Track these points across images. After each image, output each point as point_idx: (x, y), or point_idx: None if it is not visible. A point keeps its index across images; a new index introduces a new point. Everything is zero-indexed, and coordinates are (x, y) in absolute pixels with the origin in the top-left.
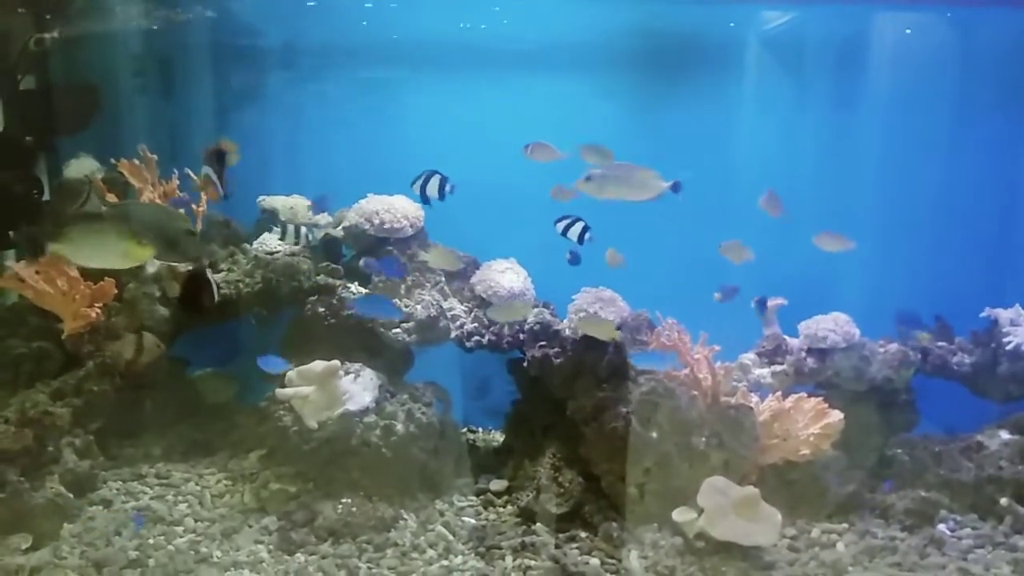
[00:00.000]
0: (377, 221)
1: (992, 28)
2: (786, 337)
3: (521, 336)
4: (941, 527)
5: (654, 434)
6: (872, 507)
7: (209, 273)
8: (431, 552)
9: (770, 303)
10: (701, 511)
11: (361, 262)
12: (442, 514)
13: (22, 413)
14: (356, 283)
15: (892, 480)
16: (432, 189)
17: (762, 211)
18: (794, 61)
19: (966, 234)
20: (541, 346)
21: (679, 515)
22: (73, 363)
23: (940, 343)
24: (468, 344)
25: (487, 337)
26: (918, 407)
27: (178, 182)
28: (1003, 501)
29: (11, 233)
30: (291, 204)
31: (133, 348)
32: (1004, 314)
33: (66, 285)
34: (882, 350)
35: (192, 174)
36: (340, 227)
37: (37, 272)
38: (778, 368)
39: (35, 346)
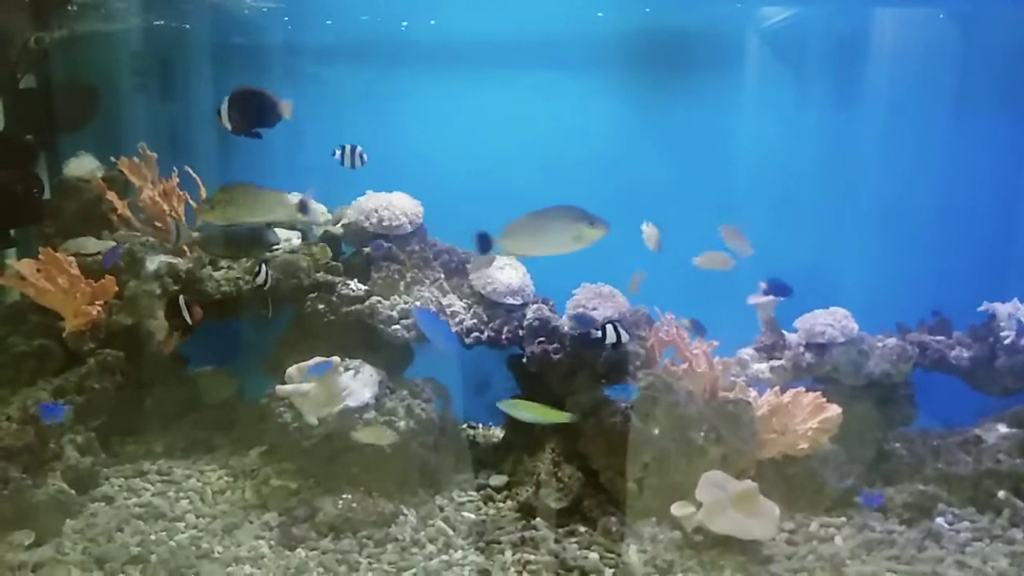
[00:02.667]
0: (376, 218)
1: (993, 24)
2: (784, 332)
3: (520, 332)
4: (939, 520)
5: (653, 429)
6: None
7: (182, 300)
8: (431, 547)
9: (766, 299)
10: (700, 505)
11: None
12: (442, 509)
13: (24, 410)
14: (355, 280)
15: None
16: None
17: (759, 207)
18: (796, 58)
19: (964, 228)
20: (540, 342)
21: (678, 509)
22: (74, 361)
23: (938, 337)
24: (467, 340)
25: (486, 333)
26: (916, 401)
27: (178, 180)
28: (1001, 494)
29: (12, 232)
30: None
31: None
32: (1002, 308)
33: (67, 283)
34: (880, 345)
35: (191, 171)
36: (339, 224)
37: (38, 270)
38: (776, 363)
39: (36, 344)
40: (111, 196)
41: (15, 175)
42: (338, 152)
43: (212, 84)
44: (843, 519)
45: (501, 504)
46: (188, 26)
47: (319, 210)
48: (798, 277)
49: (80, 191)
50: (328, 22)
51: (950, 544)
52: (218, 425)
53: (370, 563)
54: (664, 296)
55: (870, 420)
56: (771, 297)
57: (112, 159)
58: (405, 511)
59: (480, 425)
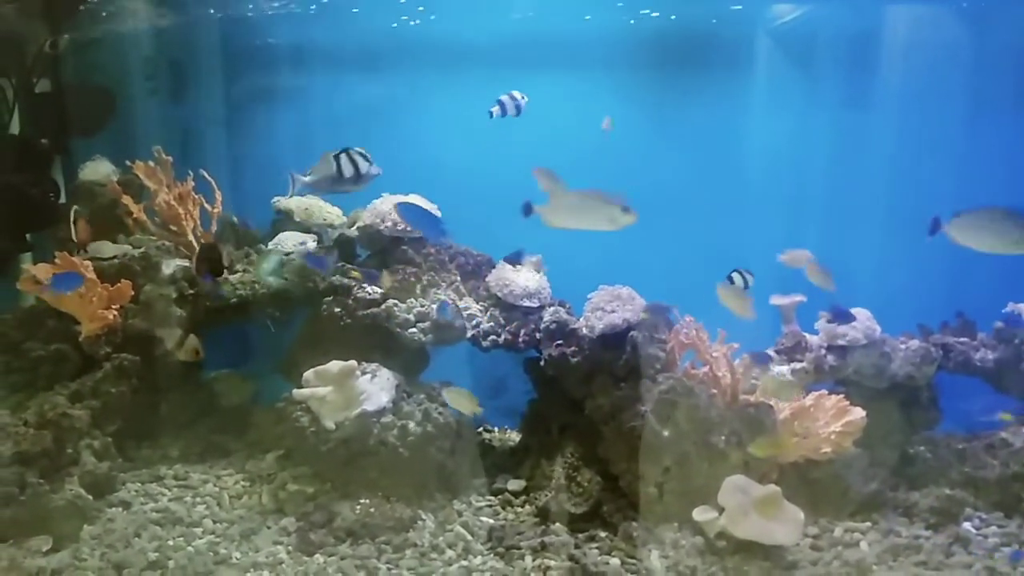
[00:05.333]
0: (391, 221)
1: (1010, 21)
2: (805, 334)
3: (537, 335)
4: (966, 525)
5: (673, 433)
6: (895, 505)
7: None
8: (450, 552)
9: (788, 300)
10: (722, 510)
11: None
12: (460, 514)
13: (41, 415)
14: (370, 283)
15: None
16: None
17: (775, 207)
18: (808, 56)
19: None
20: (558, 345)
21: (699, 514)
22: (91, 365)
23: (962, 339)
24: (484, 343)
25: (503, 336)
26: (940, 404)
27: (193, 183)
28: None
29: (28, 236)
30: (306, 205)
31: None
32: None
33: (83, 287)
34: (903, 347)
35: (207, 175)
36: (354, 227)
37: (54, 275)
38: (798, 365)
39: (53, 348)
40: (126, 200)
41: (31, 179)
42: (496, 109)
43: (225, 86)
44: (868, 524)
45: (519, 509)
46: (201, 29)
47: (336, 213)
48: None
49: (96, 195)
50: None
51: (978, 549)
52: (234, 429)
53: (389, 569)
54: (684, 297)
55: (894, 423)
56: (793, 298)
57: (127, 163)
58: (423, 516)
59: (496, 429)
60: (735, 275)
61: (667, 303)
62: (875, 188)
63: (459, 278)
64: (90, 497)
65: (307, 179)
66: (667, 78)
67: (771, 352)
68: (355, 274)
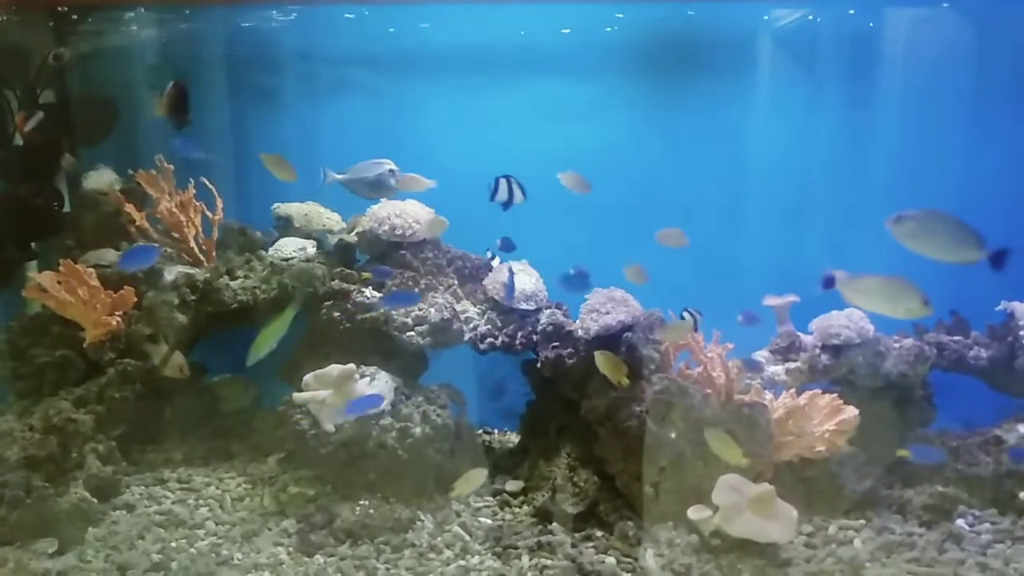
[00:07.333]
0: (389, 226)
1: (1012, 21)
2: (799, 334)
3: (534, 337)
4: (959, 522)
5: (669, 433)
6: (889, 503)
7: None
8: (448, 552)
9: (782, 300)
10: (716, 509)
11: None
12: (458, 515)
13: (46, 420)
14: (370, 287)
15: None
16: (503, 194)
17: (774, 209)
18: (808, 59)
19: (982, 227)
20: (554, 347)
21: (694, 513)
22: (95, 370)
23: (956, 337)
24: (482, 346)
25: (501, 339)
26: (935, 402)
27: (194, 191)
28: (1022, 495)
29: (33, 244)
30: (306, 211)
31: (160, 358)
32: (1020, 307)
33: (87, 294)
34: (897, 345)
35: (208, 183)
36: (354, 232)
37: (59, 282)
38: (792, 365)
39: (58, 354)
40: (129, 208)
41: (35, 189)
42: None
43: (228, 95)
44: (862, 521)
45: (517, 509)
46: (203, 38)
47: (335, 219)
48: (813, 279)
49: (99, 204)
50: (348, 18)
51: (971, 546)
52: (236, 433)
53: (388, 569)
54: (677, 299)
55: (888, 422)
56: (787, 299)
57: (130, 172)
58: (422, 517)
59: (495, 430)
60: (685, 313)
61: (586, 270)
62: (874, 188)
63: (457, 282)
64: (95, 500)
65: (340, 177)
66: (667, 82)
67: (764, 353)
68: (365, 275)
